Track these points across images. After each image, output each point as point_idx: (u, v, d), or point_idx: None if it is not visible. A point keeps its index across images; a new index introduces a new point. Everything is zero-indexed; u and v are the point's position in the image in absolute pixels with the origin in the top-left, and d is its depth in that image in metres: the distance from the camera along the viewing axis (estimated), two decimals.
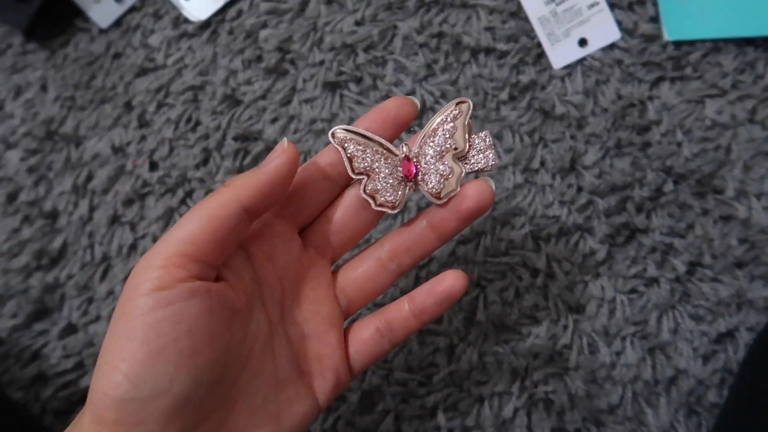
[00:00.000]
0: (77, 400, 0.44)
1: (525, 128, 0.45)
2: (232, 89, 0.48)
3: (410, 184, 0.30)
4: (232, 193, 0.26)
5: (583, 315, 0.42)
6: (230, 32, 0.49)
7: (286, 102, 0.47)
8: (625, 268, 0.42)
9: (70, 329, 0.45)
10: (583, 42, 0.46)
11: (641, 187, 0.43)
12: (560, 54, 0.46)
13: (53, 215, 0.47)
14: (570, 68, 0.46)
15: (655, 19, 0.46)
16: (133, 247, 0.46)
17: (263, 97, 0.48)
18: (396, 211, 0.29)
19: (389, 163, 0.29)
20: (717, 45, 0.46)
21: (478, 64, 0.47)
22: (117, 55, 0.50)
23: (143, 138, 0.48)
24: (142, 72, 0.49)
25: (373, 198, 0.29)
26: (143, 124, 0.48)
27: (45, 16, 0.50)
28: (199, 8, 0.49)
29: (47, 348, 0.45)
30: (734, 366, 0.40)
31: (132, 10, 0.50)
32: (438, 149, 0.29)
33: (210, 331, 0.24)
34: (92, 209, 0.47)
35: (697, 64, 0.45)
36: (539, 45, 0.47)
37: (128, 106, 0.49)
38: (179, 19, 0.50)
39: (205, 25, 0.49)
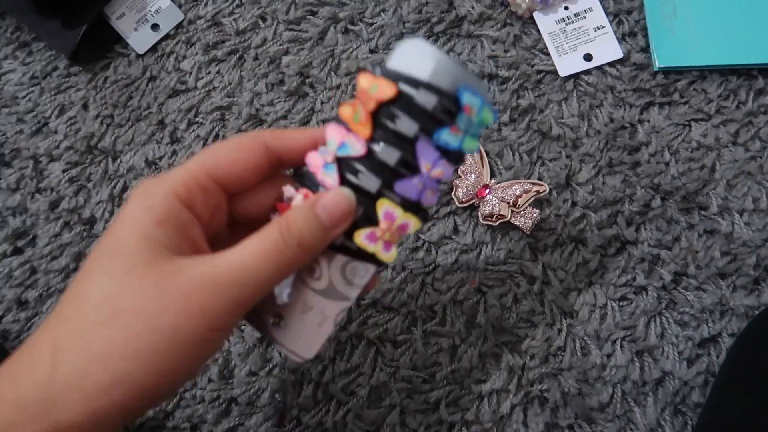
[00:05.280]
0: None
1: (524, 147, 0.49)
2: (256, 109, 0.52)
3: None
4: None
5: (576, 320, 0.45)
6: (255, 58, 0.54)
7: (305, 122, 0.52)
8: (616, 276, 0.45)
9: None
10: (588, 57, 0.51)
11: (631, 202, 0.47)
12: (566, 64, 0.50)
13: (91, 222, 0.51)
14: (566, 93, 0.50)
15: (645, 50, 0.50)
16: None
17: (284, 117, 0.52)
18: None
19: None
20: (702, 74, 0.49)
21: None
22: (152, 78, 0.55)
23: (174, 153, 0.52)
24: (175, 93, 0.54)
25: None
26: (174, 140, 0.53)
27: (88, 42, 0.55)
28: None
29: None
30: (717, 369, 0.43)
31: (167, 37, 0.56)
32: (504, 196, 0.45)
33: None
34: None
35: (684, 91, 0.49)
36: (538, 72, 0.51)
37: (161, 124, 0.53)
38: (209, 46, 0.55)
39: (233, 51, 0.54)
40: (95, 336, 0.25)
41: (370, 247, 0.30)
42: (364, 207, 0.30)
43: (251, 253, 0.27)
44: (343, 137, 0.30)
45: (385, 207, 0.30)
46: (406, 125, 0.29)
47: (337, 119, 0.31)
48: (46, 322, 0.27)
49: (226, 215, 0.32)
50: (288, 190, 0.32)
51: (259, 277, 0.27)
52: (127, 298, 0.25)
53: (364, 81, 0.30)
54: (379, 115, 0.29)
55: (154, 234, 0.27)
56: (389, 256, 0.31)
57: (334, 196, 0.29)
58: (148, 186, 0.28)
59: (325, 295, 0.31)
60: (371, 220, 0.30)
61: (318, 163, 0.31)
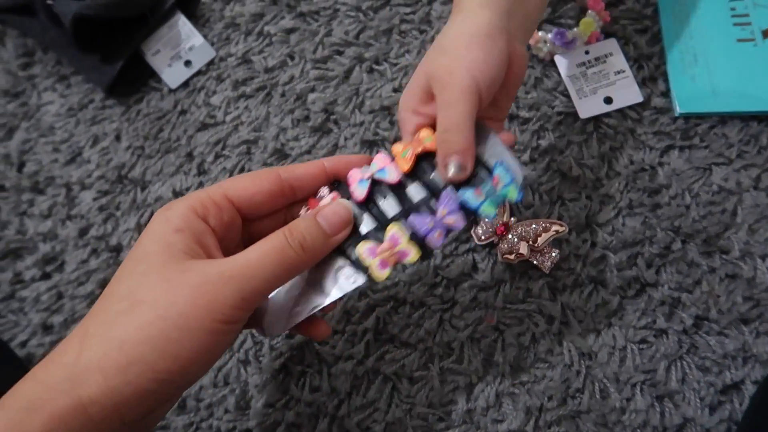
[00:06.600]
0: None
1: (544, 187, 0.49)
2: (281, 144, 0.54)
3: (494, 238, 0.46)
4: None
5: (595, 361, 0.44)
6: (282, 95, 0.56)
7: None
8: (636, 319, 0.45)
9: None
10: (608, 100, 0.51)
11: (651, 244, 0.47)
12: (587, 107, 0.51)
13: (117, 249, 0.53)
14: (587, 135, 0.51)
15: (665, 94, 0.51)
16: None
17: (308, 152, 0.53)
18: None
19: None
20: (723, 118, 0.50)
21: None
22: (183, 112, 0.57)
23: (201, 184, 0.54)
24: (204, 127, 0.56)
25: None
26: (202, 172, 0.54)
27: (124, 76, 0.57)
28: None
29: None
30: (740, 417, 0.42)
31: (198, 73, 0.58)
32: (523, 235, 0.45)
33: None
34: None
35: (705, 135, 0.49)
36: (559, 114, 0.52)
37: (189, 156, 0.55)
38: (239, 82, 0.57)
39: (261, 87, 0.56)
40: (115, 323, 0.29)
41: (367, 260, 0.34)
42: (377, 226, 0.35)
43: (256, 252, 0.31)
44: (385, 164, 0.36)
45: (393, 230, 0.34)
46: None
47: (387, 152, 0.36)
48: (82, 319, 0.31)
49: (240, 232, 0.36)
50: (323, 189, 0.37)
51: (264, 273, 0.30)
52: (145, 291, 0.29)
53: (423, 132, 0.36)
54: (423, 160, 0.35)
55: (172, 240, 0.31)
56: (381, 274, 0.34)
57: (335, 206, 0.34)
58: (170, 203, 0.33)
59: (310, 285, 0.35)
60: (378, 239, 0.34)
61: (356, 177, 0.36)
